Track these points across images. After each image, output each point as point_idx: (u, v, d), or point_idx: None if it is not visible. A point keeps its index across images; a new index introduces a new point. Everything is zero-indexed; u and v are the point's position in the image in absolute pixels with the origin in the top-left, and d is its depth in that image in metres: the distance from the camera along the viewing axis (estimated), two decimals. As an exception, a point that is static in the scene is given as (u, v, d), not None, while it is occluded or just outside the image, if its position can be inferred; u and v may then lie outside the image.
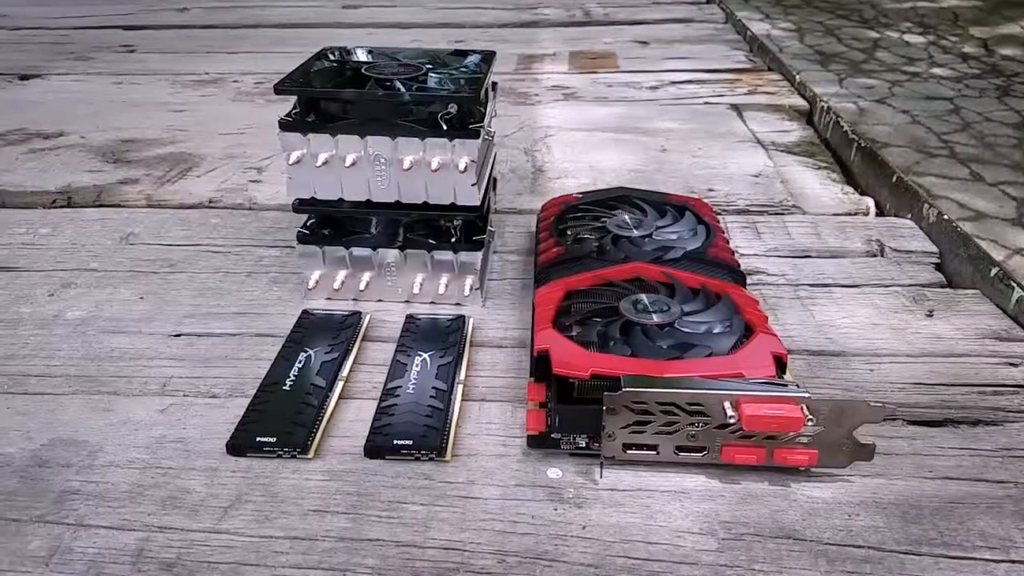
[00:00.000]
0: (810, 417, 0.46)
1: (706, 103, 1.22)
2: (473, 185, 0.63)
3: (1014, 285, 0.69)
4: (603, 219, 0.70)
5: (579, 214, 0.72)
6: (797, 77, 1.30)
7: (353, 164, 0.62)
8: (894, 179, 0.93)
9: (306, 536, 0.44)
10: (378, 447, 0.50)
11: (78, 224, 0.83)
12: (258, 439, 0.50)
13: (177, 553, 0.43)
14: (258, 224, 0.83)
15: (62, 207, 0.88)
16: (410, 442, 0.50)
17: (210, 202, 0.89)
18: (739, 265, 0.64)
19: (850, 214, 0.88)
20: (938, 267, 0.78)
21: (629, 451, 0.49)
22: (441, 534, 0.44)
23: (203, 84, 1.34)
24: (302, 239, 0.67)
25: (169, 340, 0.63)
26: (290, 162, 0.62)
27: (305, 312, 0.64)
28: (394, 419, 0.52)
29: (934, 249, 0.79)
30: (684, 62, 1.45)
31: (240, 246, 0.79)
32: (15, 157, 1.01)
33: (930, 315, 0.68)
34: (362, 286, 0.67)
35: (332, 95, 0.62)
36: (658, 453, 0.49)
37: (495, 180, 0.78)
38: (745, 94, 1.26)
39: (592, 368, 0.49)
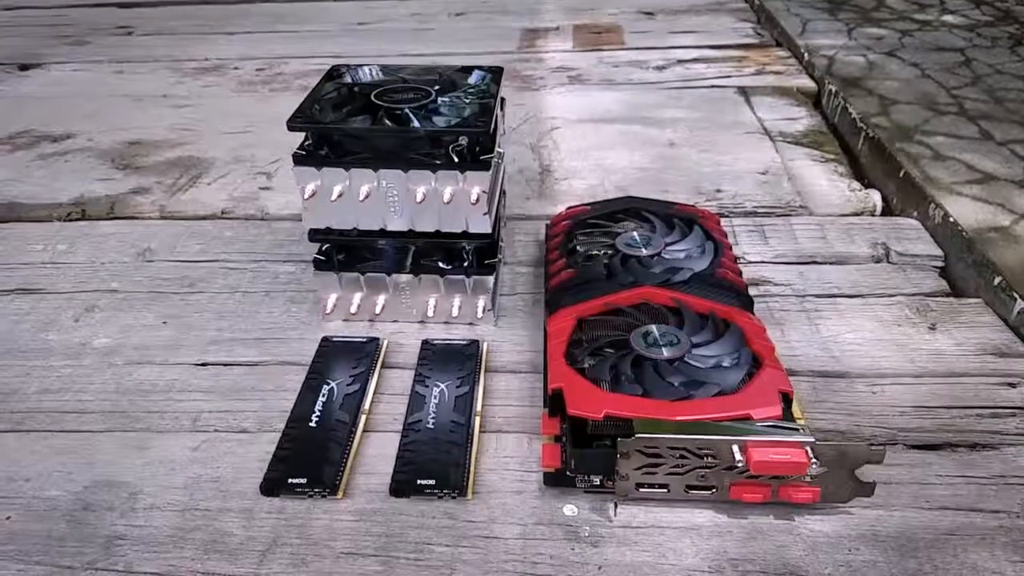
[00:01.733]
0: (814, 460, 0.48)
1: (713, 86, 1.22)
2: (485, 214, 0.64)
3: (1016, 296, 0.71)
4: (613, 235, 0.72)
5: (589, 230, 0.74)
6: (805, 56, 1.29)
7: (367, 197, 0.63)
8: (901, 174, 0.93)
9: (340, 581, 0.47)
10: (403, 487, 0.52)
11: (94, 239, 0.85)
12: (290, 480, 0.53)
13: (221, 601, 0.46)
14: (272, 237, 0.85)
15: (76, 220, 0.90)
16: (433, 482, 0.52)
17: (223, 212, 0.90)
18: (746, 287, 0.66)
19: (857, 214, 0.89)
20: (943, 271, 0.79)
21: (641, 489, 0.51)
22: (466, 577, 0.47)
23: (204, 72, 1.33)
24: (319, 266, 0.69)
25: (196, 370, 0.65)
26: (305, 197, 0.64)
27: (325, 339, 0.66)
28: (416, 456, 0.54)
29: (939, 252, 0.81)
30: (691, 37, 1.44)
31: (255, 262, 0.81)
32: (25, 164, 1.02)
33: (932, 328, 0.70)
34: (378, 310, 0.69)
35: (344, 132, 0.63)
36: (669, 491, 0.51)
37: (504, 192, 0.79)
38: (752, 74, 1.26)
39: (605, 410, 0.51)
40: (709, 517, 0.51)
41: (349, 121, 0.64)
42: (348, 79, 0.73)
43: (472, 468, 0.54)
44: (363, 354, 0.65)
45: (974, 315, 0.71)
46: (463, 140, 0.62)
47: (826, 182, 0.95)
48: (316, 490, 0.52)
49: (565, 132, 1.08)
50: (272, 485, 0.53)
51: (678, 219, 0.74)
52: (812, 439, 0.49)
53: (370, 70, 0.74)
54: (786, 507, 0.51)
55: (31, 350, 0.68)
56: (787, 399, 0.53)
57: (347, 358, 0.64)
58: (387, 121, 0.64)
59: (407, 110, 0.65)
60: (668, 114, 1.13)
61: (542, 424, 0.57)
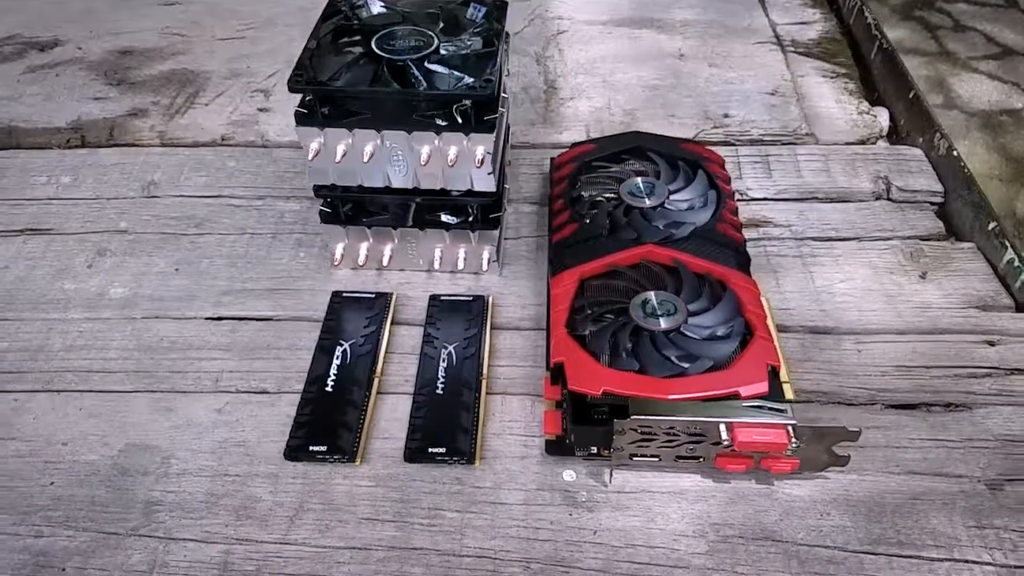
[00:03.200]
0: (794, 440, 0.52)
1: (725, -19, 1.16)
2: (490, 174, 0.65)
3: (1007, 245, 0.72)
4: (617, 179, 0.72)
5: (593, 174, 0.74)
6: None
7: (371, 157, 0.63)
8: (911, 95, 0.92)
9: (362, 546, 0.52)
10: (415, 454, 0.57)
11: (97, 170, 0.85)
12: (311, 448, 0.57)
13: (257, 566, 0.51)
14: (274, 168, 0.85)
15: (76, 147, 0.89)
16: (443, 450, 0.57)
17: (223, 139, 0.89)
18: (744, 243, 0.67)
19: (862, 142, 0.88)
20: (942, 207, 0.80)
21: (635, 458, 0.56)
22: (475, 542, 0.53)
23: (191, -42, 1.26)
24: (324, 218, 0.70)
25: (212, 326, 0.68)
26: (309, 158, 0.64)
27: (335, 295, 0.69)
28: (427, 422, 0.58)
29: (939, 188, 0.81)
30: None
31: (260, 198, 0.81)
32: (16, 79, 0.99)
33: (923, 277, 0.72)
34: (385, 260, 0.71)
35: (347, 93, 0.62)
36: (660, 460, 0.56)
37: (507, 126, 0.79)
38: (767, -35, 1.19)
39: (603, 387, 0.55)
40: (695, 482, 0.56)
41: (351, 82, 0.63)
42: (346, 16, 0.70)
43: (480, 434, 0.58)
44: (373, 311, 0.67)
45: (965, 261, 0.73)
46: (467, 102, 0.61)
47: (835, 104, 0.93)
48: (336, 457, 0.57)
49: (572, 37, 1.04)
50: (295, 451, 0.57)
51: (683, 161, 0.74)
52: (794, 421, 0.52)
53: (370, 4, 0.71)
54: (766, 473, 0.56)
55: (50, 301, 0.71)
56: (774, 371, 0.56)
57: (358, 315, 0.67)
58: (388, 75, 0.63)
59: (409, 62, 0.63)
60: (679, 15, 1.09)
61: (544, 389, 0.61)
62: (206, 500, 0.55)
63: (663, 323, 0.59)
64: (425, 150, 0.63)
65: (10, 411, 0.62)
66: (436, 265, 0.71)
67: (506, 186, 0.77)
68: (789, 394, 0.59)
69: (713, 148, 0.85)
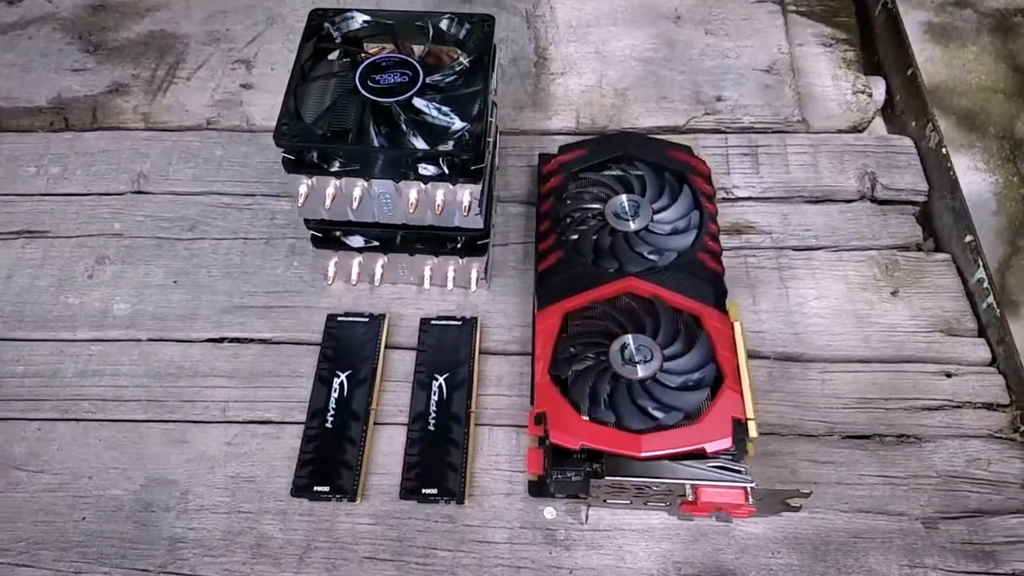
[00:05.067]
0: (752, 500, 0.58)
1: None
2: (477, 215, 0.66)
3: (980, 263, 0.75)
4: (603, 198, 0.73)
5: (580, 189, 0.75)
6: None
7: (359, 203, 0.64)
8: (909, 73, 0.90)
9: (365, 585, 0.59)
10: (409, 493, 0.63)
11: (85, 159, 0.85)
12: (315, 488, 0.63)
13: (273, 603, 0.59)
14: (260, 158, 0.85)
15: (60, 130, 0.88)
16: (435, 491, 0.62)
17: (208, 123, 0.88)
18: (723, 272, 0.70)
19: (854, 128, 0.88)
20: (924, 206, 0.82)
21: (608, 501, 0.62)
22: (465, 580, 0.60)
23: None
24: (316, 243, 0.71)
25: (215, 350, 0.71)
26: (299, 203, 0.65)
27: (330, 319, 0.72)
28: (419, 460, 0.64)
29: (924, 186, 0.82)
30: None
31: (250, 195, 0.82)
32: (-11, 42, 0.96)
33: (894, 294, 0.75)
34: (377, 280, 0.74)
35: (334, 150, 0.62)
36: (631, 504, 0.62)
37: (495, 105, 0.78)
38: None
39: (580, 442, 0.60)
40: (662, 519, 0.63)
41: (335, 124, 0.62)
42: (328, 33, 0.68)
43: (468, 470, 0.64)
44: (367, 335, 0.71)
45: (938, 276, 0.76)
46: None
47: (830, 81, 0.91)
48: (338, 497, 0.62)
49: (563, -6, 1.00)
50: (300, 491, 0.63)
51: (670, 172, 0.75)
52: (752, 483, 0.58)
53: (353, 17, 0.69)
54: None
55: (56, 318, 0.74)
56: (739, 424, 0.61)
57: (353, 343, 0.70)
58: (373, 119, 0.63)
59: (395, 106, 0.63)
60: (676, -38, 1.03)
61: (528, 425, 0.65)
62: (224, 537, 0.62)
63: (640, 371, 0.63)
64: (412, 196, 0.64)
65: (36, 440, 0.67)
66: (426, 284, 0.74)
67: (495, 203, 0.78)
68: (753, 432, 0.64)
69: (703, 137, 0.86)
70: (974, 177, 1.36)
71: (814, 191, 0.82)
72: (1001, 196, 1.36)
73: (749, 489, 0.58)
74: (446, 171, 0.62)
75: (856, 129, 0.88)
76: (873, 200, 0.82)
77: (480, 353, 0.71)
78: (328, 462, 0.64)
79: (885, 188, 0.82)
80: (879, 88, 0.93)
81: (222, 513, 0.63)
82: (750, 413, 0.64)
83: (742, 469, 0.59)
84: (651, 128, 0.87)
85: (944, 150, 0.82)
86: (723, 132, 0.87)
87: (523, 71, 0.92)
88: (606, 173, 0.76)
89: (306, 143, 0.62)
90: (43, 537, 0.62)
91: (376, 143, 0.62)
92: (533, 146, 0.85)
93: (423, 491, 0.63)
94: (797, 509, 0.61)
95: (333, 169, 0.63)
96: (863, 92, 0.91)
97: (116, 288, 0.76)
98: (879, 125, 0.91)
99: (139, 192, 0.83)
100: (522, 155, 0.85)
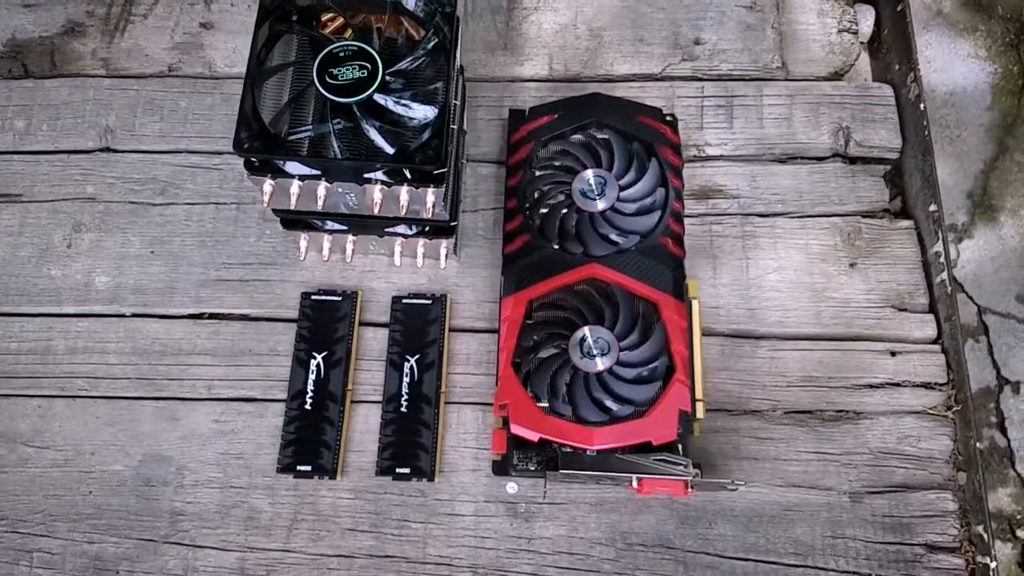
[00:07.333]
0: (691, 490, 0.64)
1: None
2: (442, 210, 0.67)
3: (940, 235, 0.76)
4: (572, 170, 0.74)
5: (548, 161, 0.75)
6: None
7: (324, 200, 0.65)
8: (898, 8, 0.86)
9: (347, 554, 0.67)
10: (385, 471, 0.69)
11: (49, 111, 0.84)
12: (298, 468, 0.69)
13: (266, 570, 0.67)
14: (226, 109, 0.83)
15: (20, 77, 0.86)
16: (408, 470, 0.68)
17: (170, 70, 0.85)
18: (684, 256, 0.72)
19: (835, 74, 0.85)
20: (896, 163, 0.82)
21: (564, 480, 0.68)
22: (435, 550, 0.67)
23: None
24: (286, 225, 0.72)
25: (196, 327, 0.75)
26: (265, 203, 0.65)
27: (304, 296, 0.74)
28: (393, 440, 0.70)
29: (898, 143, 0.82)
30: None
31: (217, 153, 0.82)
32: (-71, -30, 0.90)
33: (852, 266, 0.77)
34: (348, 257, 0.75)
35: (296, 160, 0.62)
36: (585, 483, 0.68)
37: (463, 70, 0.76)
38: None
39: (540, 435, 0.65)
40: (613, 493, 0.69)
41: (294, 124, 0.62)
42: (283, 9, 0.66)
43: (439, 449, 0.70)
44: (341, 313, 0.74)
45: (897, 245, 0.78)
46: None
47: (815, 18, 0.87)
48: (319, 476, 0.69)
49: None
50: (285, 469, 0.69)
51: (639, 142, 0.75)
52: (692, 475, 0.64)
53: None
54: (672, 489, 0.69)
55: (40, 291, 0.76)
56: (685, 415, 0.66)
57: (328, 322, 0.73)
58: (332, 117, 0.62)
59: (355, 107, 0.62)
60: None
61: (494, 407, 0.70)
62: (219, 511, 0.69)
63: (598, 364, 0.67)
64: (376, 196, 0.64)
65: (38, 418, 0.72)
66: (397, 261, 0.76)
67: (464, 168, 0.78)
68: (701, 413, 0.69)
69: (679, 85, 0.84)
70: (972, 66, 1.32)
71: (786, 148, 0.81)
72: (997, 88, 1.33)
73: (687, 481, 0.64)
74: (408, 176, 0.63)
75: (837, 75, 0.85)
76: (845, 158, 0.81)
77: (450, 331, 0.74)
78: (309, 442, 0.70)
79: (859, 144, 0.81)
80: (867, 19, 0.89)
81: (215, 488, 0.69)
82: (699, 395, 0.69)
83: (685, 463, 0.64)
84: (626, 75, 0.85)
85: (923, 106, 0.80)
86: (700, 80, 0.84)
87: (494, 5, 0.88)
88: (574, 139, 0.76)
89: (265, 154, 0.61)
90: (56, 509, 0.69)
91: (336, 146, 0.62)
92: (503, 95, 0.84)
93: (397, 470, 0.69)
94: (734, 491, 0.67)
95: (295, 173, 0.63)
96: (848, 31, 0.87)
97: (96, 260, 0.78)
98: (862, 67, 0.88)
99: (107, 150, 0.82)
100: (492, 107, 0.83)
